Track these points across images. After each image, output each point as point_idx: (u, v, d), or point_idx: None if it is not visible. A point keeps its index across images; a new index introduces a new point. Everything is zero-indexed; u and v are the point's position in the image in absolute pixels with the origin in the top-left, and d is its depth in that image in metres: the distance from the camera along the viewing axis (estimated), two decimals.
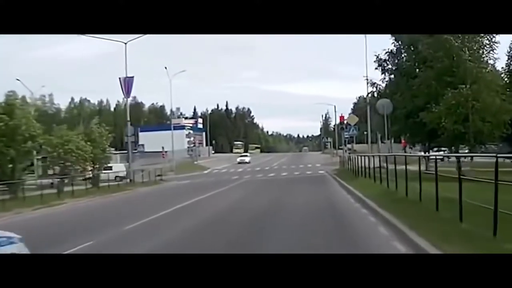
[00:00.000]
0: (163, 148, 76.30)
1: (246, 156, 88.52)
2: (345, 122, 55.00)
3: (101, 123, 44.39)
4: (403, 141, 58.53)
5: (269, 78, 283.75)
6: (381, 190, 20.99)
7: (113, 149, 51.87)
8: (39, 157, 38.78)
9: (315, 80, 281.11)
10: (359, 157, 35.47)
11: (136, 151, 60.13)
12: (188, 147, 79.44)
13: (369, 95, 43.79)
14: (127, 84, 43.76)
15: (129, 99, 50.36)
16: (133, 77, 44.46)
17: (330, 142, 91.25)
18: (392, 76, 40.03)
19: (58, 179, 35.04)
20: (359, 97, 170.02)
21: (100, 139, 40.56)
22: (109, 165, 45.63)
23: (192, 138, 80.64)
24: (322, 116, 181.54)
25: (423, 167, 19.95)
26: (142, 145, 64.65)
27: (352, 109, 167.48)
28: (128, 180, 45.57)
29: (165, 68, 74.03)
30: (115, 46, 57.73)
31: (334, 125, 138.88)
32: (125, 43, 44.35)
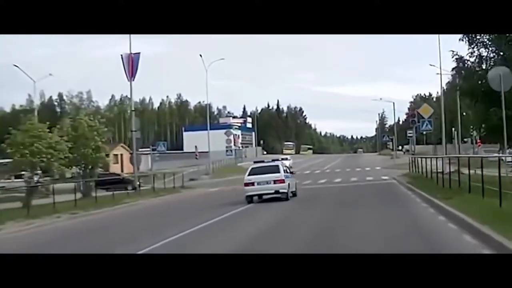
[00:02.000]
0: (196, 148, 66.30)
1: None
2: (416, 114, 43.20)
3: (95, 115, 34.12)
4: (478, 141, 47.47)
5: (322, 79, 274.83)
6: None
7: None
8: None
9: (369, 81, 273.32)
10: (428, 159, 30.69)
11: (155, 151, 49.97)
12: (227, 147, 68.92)
13: (453, 72, 32.19)
14: (131, 62, 33.33)
15: (171, 99, 40.44)
16: (139, 53, 34.15)
17: (391, 141, 78.45)
18: (483, 49, 29.10)
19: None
20: (416, 96, 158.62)
21: (90, 134, 30.47)
22: None
23: (231, 137, 69.86)
24: (379, 114, 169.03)
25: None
26: (163, 143, 54.16)
27: (408, 108, 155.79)
28: (135, 187, 35.63)
29: (200, 55, 64.26)
30: (160, 46, 48.25)
31: (393, 124, 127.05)
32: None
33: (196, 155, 65.35)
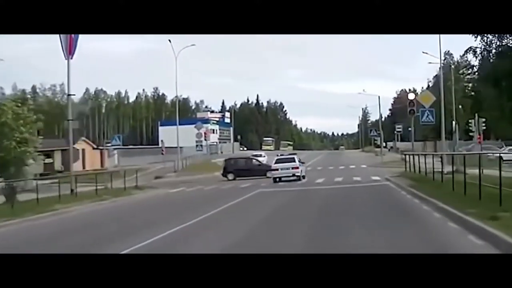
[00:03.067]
0: (162, 142, 60.37)
1: (260, 156, 64.32)
2: (414, 103, 37.27)
3: (24, 102, 27.89)
4: (478, 137, 42.19)
5: (307, 76, 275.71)
6: None
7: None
8: None
9: (353, 79, 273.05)
10: (427, 157, 28.34)
11: (109, 145, 44.01)
12: (197, 141, 62.99)
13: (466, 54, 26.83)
14: (69, 37, 27.20)
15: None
16: None
17: (379, 136, 72.27)
18: None
19: None
20: (400, 90, 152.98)
21: (15, 124, 24.35)
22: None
23: (201, 131, 63.81)
24: (362, 109, 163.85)
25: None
26: (119, 137, 47.97)
27: (392, 104, 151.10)
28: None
29: (169, 41, 58.36)
30: (148, 42, 42.61)
31: (375, 120, 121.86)
32: None
33: (162, 150, 59.38)
